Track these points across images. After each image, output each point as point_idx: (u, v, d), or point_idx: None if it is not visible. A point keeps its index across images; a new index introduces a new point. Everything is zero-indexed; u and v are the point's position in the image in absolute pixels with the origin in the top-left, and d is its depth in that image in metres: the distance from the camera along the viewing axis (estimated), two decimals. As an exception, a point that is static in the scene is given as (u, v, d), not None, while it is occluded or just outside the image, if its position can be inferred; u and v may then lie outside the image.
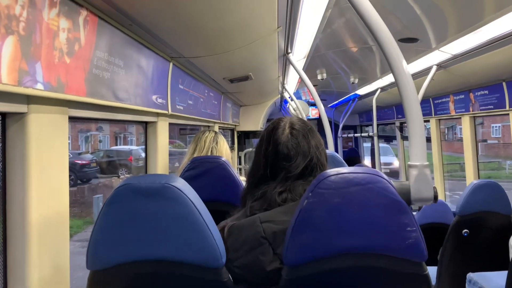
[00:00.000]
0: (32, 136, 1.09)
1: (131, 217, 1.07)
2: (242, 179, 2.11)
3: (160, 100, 1.96)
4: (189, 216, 1.09)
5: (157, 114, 2.05)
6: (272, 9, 1.67)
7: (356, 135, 8.17)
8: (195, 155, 2.21)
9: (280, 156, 1.14)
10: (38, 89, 1.01)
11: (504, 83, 3.41)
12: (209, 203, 1.98)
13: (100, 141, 15.11)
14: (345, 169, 0.95)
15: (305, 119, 4.67)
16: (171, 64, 2.07)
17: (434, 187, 1.11)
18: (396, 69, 1.15)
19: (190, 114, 2.59)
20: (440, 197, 5.13)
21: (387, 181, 0.93)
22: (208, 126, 3.64)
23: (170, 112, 2.09)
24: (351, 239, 0.88)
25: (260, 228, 1.03)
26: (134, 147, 13.12)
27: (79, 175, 11.72)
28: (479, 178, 4.22)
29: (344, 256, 0.89)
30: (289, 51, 2.73)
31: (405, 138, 6.23)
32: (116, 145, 14.82)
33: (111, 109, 1.52)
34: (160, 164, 2.16)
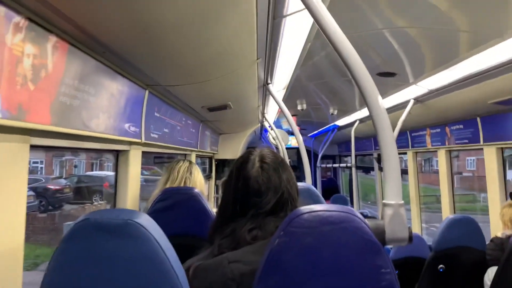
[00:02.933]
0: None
1: (89, 255, 0.99)
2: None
3: (133, 128, 1.89)
4: (153, 256, 1.02)
5: (130, 143, 1.98)
6: (251, 40, 1.66)
7: (335, 165, 8.20)
8: (167, 186, 2.14)
9: (251, 191, 1.08)
10: (-6, 117, 0.94)
11: (478, 119, 3.49)
12: (179, 237, 1.92)
13: (75, 166, 14.73)
14: (319, 206, 0.91)
15: (282, 149, 4.62)
16: (147, 92, 2.02)
17: (409, 227, 1.08)
18: (371, 105, 1.14)
19: (166, 143, 2.52)
20: (417, 229, 5.14)
21: (361, 220, 0.90)
22: (185, 155, 3.57)
23: (143, 140, 2.03)
24: (323, 281, 0.83)
25: (228, 269, 0.97)
26: (110, 173, 12.82)
27: (50, 201, 11.33)
28: (454, 212, 4.25)
29: (316, 299, 0.83)
30: (269, 81, 2.72)
31: (382, 169, 6.28)
32: (92, 170, 14.46)
33: (79, 138, 1.45)
34: (131, 194, 2.07)
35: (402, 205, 1.07)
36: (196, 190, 1.95)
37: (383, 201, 1.09)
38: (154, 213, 1.92)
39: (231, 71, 2.07)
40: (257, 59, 2.01)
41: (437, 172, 4.49)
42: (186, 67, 1.81)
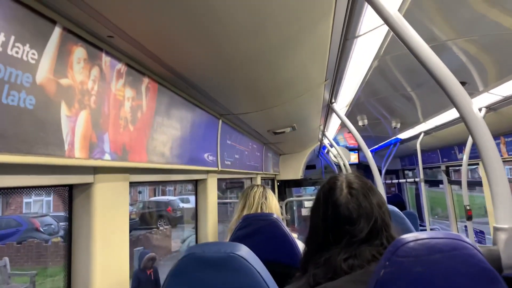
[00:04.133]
0: (97, 205, 1.08)
1: (196, 288, 1.02)
2: (294, 236, 2.02)
3: (211, 158, 1.95)
4: (257, 287, 1.04)
5: (207, 172, 2.04)
6: (322, 63, 1.67)
7: (401, 180, 7.89)
8: (244, 212, 2.16)
9: (341, 219, 1.05)
10: (106, 160, 1.01)
11: (562, 123, 3.23)
12: (264, 263, 1.92)
13: (139, 192, 15.35)
14: (424, 234, 0.87)
15: (346, 166, 4.50)
16: (220, 121, 2.08)
17: None
18: (467, 117, 1.09)
19: (237, 168, 2.57)
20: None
21: (473, 247, 0.84)
22: (251, 179, 3.62)
23: (220, 168, 2.08)
24: (437, 313, 0.79)
25: None
26: (172, 197, 13.21)
27: (119, 227, 11.79)
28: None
29: (431, 332, 0.79)
30: (333, 101, 2.71)
31: (452, 182, 5.94)
32: (155, 195, 14.99)
33: (167, 171, 1.52)
34: (210, 220, 2.12)
35: None
36: (275, 216, 1.95)
37: (495, 225, 1.02)
38: (236, 240, 1.94)
39: (300, 95, 2.08)
40: (325, 80, 2.01)
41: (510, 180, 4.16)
42: (257, 94, 1.85)
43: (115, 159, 1.05)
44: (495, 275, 0.81)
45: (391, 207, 1.87)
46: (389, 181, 8.22)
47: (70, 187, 1.07)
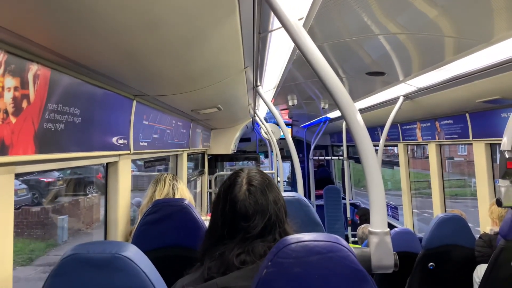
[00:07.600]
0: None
1: (78, 291, 1.00)
2: (205, 219, 2.04)
3: (121, 141, 1.88)
4: (142, 288, 1.03)
5: (119, 154, 1.97)
6: (238, 53, 1.65)
7: (327, 157, 8.25)
8: (156, 196, 2.15)
9: (238, 215, 1.09)
10: (-24, 158, 0.93)
11: (467, 114, 3.51)
12: (172, 248, 1.93)
13: (68, 157, 14.55)
14: (306, 236, 0.92)
15: (274, 144, 4.55)
16: (134, 102, 2.00)
17: (395, 254, 1.10)
18: (354, 130, 1.14)
19: (156, 148, 2.52)
20: (408, 223, 5.20)
21: (348, 249, 0.91)
22: (176, 155, 3.57)
23: (132, 151, 2.02)
24: (311, 311, 0.85)
25: None
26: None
27: (44, 194, 11.26)
28: (445, 207, 4.30)
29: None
30: (258, 84, 2.71)
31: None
32: (85, 161, 14.31)
33: (66, 159, 1.44)
34: (121, 204, 2.07)
35: (387, 233, 1.09)
36: (186, 201, 1.94)
37: (369, 229, 1.11)
38: (145, 225, 1.91)
39: (220, 80, 2.05)
40: (245, 67, 2.00)
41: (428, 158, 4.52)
42: (173, 80, 1.80)
43: (-10, 156, 0.97)
44: (365, 275, 0.88)
45: (296, 195, 1.93)
46: (316, 157, 8.56)
47: None
